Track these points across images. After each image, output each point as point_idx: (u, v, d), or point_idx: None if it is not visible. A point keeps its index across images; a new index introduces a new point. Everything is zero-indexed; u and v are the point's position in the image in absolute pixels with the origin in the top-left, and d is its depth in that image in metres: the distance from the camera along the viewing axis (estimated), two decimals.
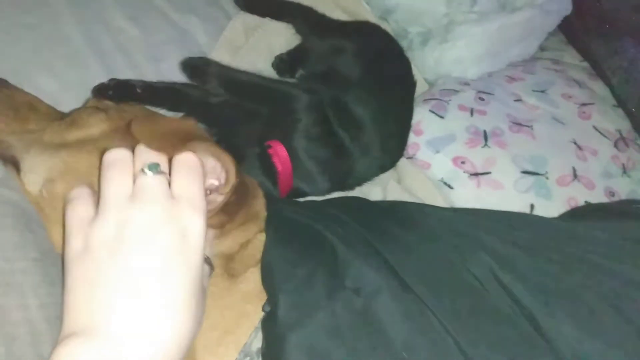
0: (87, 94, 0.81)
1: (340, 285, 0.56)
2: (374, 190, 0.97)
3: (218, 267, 0.54)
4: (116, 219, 0.43)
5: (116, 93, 0.79)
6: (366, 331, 0.52)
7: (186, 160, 0.47)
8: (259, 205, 0.65)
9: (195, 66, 0.87)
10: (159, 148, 0.47)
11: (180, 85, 0.85)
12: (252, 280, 0.57)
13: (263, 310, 0.55)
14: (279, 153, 0.82)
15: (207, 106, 0.85)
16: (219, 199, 0.49)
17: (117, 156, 0.47)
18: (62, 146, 0.56)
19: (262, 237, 0.61)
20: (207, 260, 0.51)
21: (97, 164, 0.53)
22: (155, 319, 0.42)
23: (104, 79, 0.83)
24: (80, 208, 0.46)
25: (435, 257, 0.62)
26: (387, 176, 0.99)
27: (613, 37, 1.29)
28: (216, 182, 0.50)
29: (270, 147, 0.82)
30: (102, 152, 0.53)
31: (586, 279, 0.61)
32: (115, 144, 0.55)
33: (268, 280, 0.56)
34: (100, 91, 0.78)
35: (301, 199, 0.84)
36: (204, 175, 0.48)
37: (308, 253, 0.59)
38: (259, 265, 0.58)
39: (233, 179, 0.48)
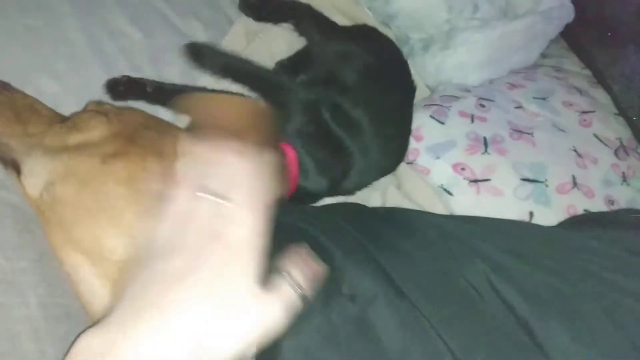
0: (88, 97, 0.81)
1: (337, 292, 0.56)
2: (374, 196, 0.97)
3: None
4: (174, 226, 0.44)
5: (127, 89, 0.81)
6: (361, 338, 0.53)
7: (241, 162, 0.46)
8: None
9: (196, 51, 0.89)
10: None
11: (190, 88, 0.87)
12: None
13: None
14: (289, 155, 0.83)
15: None
16: None
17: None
18: (63, 149, 0.56)
19: None
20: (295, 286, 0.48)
21: (98, 167, 0.53)
22: (181, 312, 0.41)
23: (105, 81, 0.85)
24: None
25: (431, 265, 0.63)
26: (387, 182, 0.99)
27: (615, 44, 1.29)
28: None
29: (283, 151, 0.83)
30: (103, 157, 0.54)
31: (582, 288, 0.61)
32: (116, 147, 0.56)
33: None
34: (112, 86, 0.81)
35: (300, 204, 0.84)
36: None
37: None
38: None
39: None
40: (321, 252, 0.61)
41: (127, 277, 0.43)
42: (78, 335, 0.40)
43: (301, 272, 0.47)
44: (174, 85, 0.86)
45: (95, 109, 0.62)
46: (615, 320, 0.58)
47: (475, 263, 0.62)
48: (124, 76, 0.83)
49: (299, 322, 0.52)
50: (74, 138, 0.58)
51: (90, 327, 0.41)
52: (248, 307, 0.43)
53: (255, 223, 0.44)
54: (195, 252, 0.42)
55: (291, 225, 0.65)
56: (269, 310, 0.44)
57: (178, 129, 0.64)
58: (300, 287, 0.46)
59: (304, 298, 0.46)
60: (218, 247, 0.43)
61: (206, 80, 0.92)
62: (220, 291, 0.42)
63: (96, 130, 0.58)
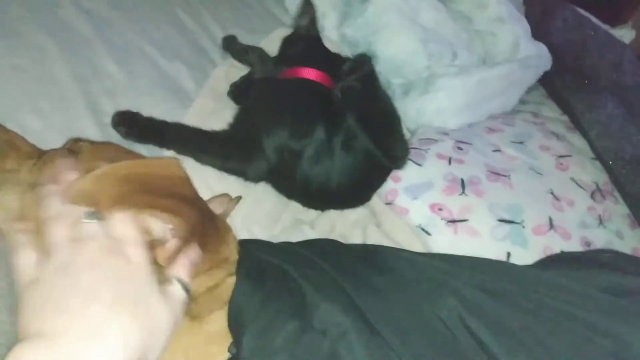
0: (71, 134, 0.83)
1: (308, 327, 0.56)
2: (355, 234, 0.98)
3: None
4: (65, 253, 0.47)
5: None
6: None
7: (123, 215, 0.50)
8: (229, 250, 0.65)
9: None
10: (113, 195, 0.49)
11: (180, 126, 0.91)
12: (217, 322, 0.57)
13: (229, 351, 0.55)
14: None
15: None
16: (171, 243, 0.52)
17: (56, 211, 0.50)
18: (31, 187, 0.57)
19: (231, 280, 0.61)
20: (184, 286, 0.52)
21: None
22: (102, 322, 0.43)
23: (89, 121, 0.86)
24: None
25: (405, 302, 0.63)
26: (367, 220, 1.00)
27: (592, 92, 1.33)
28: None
29: None
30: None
31: (553, 326, 0.61)
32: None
33: (234, 322, 0.57)
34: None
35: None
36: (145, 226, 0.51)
37: (276, 295, 0.60)
38: (226, 308, 0.58)
39: (181, 231, 0.51)
40: (293, 288, 0.61)
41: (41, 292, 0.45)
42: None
43: (186, 271, 0.52)
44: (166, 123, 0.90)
45: (69, 147, 0.63)
46: (585, 357, 0.59)
47: (447, 300, 0.62)
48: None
49: (268, 356, 0.52)
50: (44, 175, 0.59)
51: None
52: (159, 311, 0.47)
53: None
54: (101, 268, 0.46)
55: (266, 261, 0.66)
56: (173, 310, 0.49)
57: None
58: (187, 285, 0.52)
59: (188, 292, 0.52)
60: (120, 262, 0.47)
61: (189, 120, 0.94)
62: (133, 300, 0.45)
63: None
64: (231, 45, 1.11)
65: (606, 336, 0.60)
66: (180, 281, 0.52)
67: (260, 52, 1.09)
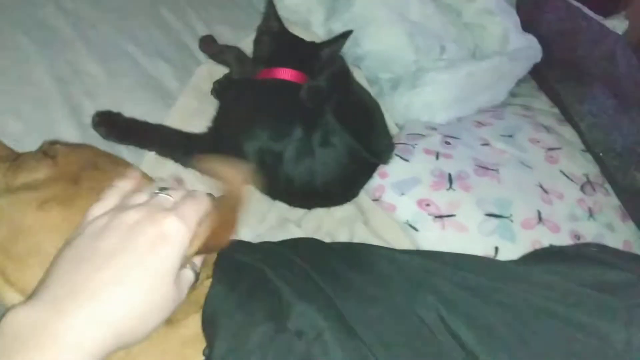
0: (51, 136, 0.82)
1: (282, 329, 0.55)
2: (342, 232, 0.97)
3: None
4: (111, 215, 0.48)
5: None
6: None
7: (199, 195, 0.53)
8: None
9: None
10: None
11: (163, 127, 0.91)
12: (193, 325, 0.57)
13: (203, 354, 0.55)
14: None
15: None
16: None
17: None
18: (5, 191, 0.57)
19: (208, 283, 0.61)
20: (194, 269, 0.53)
21: (33, 214, 0.54)
22: (109, 295, 0.43)
23: (69, 122, 0.86)
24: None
25: (384, 301, 0.62)
26: (354, 218, 0.99)
27: (583, 83, 1.32)
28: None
29: None
30: (41, 202, 0.54)
31: (535, 323, 0.61)
32: (56, 191, 0.57)
33: (208, 325, 0.56)
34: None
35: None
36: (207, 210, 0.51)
37: (251, 297, 0.59)
38: (201, 311, 0.58)
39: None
40: (269, 289, 0.60)
41: (57, 256, 0.46)
42: (7, 310, 0.41)
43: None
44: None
45: (45, 150, 0.62)
46: (567, 354, 0.58)
47: (427, 298, 0.62)
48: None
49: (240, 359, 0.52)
50: (19, 179, 0.58)
51: (19, 304, 0.42)
52: (163, 294, 0.46)
53: (185, 227, 0.48)
54: (126, 235, 0.46)
55: (242, 262, 0.65)
56: (175, 296, 0.48)
57: (129, 165, 0.65)
58: (197, 270, 0.53)
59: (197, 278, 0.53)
60: (148, 234, 0.46)
61: (171, 120, 0.93)
62: (142, 275, 0.45)
63: (40, 173, 0.58)
64: (208, 46, 1.09)
65: (590, 334, 0.60)
66: (194, 266, 0.53)
67: (237, 52, 1.07)
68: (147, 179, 0.65)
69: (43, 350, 0.40)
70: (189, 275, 0.52)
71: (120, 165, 0.67)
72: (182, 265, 0.49)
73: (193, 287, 0.53)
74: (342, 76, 1.02)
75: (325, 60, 1.02)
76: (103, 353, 0.42)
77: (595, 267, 0.70)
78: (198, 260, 0.54)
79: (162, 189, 0.52)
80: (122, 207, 0.50)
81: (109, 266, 0.44)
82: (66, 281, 0.43)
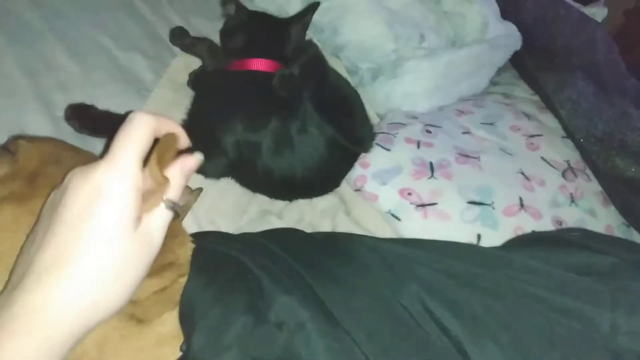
0: (22, 130, 0.80)
1: (263, 320, 0.54)
2: (324, 223, 0.96)
3: (123, 313, 0.52)
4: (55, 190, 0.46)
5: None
6: None
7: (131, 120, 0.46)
8: (177, 254, 0.63)
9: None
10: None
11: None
12: (169, 323, 0.55)
13: (181, 350, 0.53)
14: None
15: None
16: None
17: None
18: None
19: (182, 281, 0.59)
20: (173, 207, 0.48)
21: None
22: (68, 270, 0.41)
23: (41, 116, 0.84)
24: None
25: (366, 290, 0.61)
26: (336, 208, 0.98)
27: (563, 70, 1.31)
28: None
29: None
30: None
31: (518, 308, 0.60)
32: (12, 188, 0.55)
33: (186, 320, 0.55)
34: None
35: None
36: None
37: (230, 289, 0.58)
38: (177, 308, 0.56)
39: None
40: (249, 280, 0.59)
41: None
42: None
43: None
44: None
45: (7, 145, 0.60)
46: (552, 340, 0.58)
47: (409, 286, 0.61)
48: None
49: (216, 354, 0.50)
50: None
51: None
52: (126, 250, 0.43)
53: (121, 176, 0.43)
54: (64, 204, 0.42)
55: (221, 253, 0.64)
56: (145, 245, 0.45)
57: (95, 158, 0.63)
58: (170, 203, 0.47)
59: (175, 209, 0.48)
60: (82, 195, 0.42)
61: (148, 110, 0.91)
62: (92, 240, 0.42)
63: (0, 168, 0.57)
64: (179, 38, 1.06)
65: (574, 317, 0.59)
66: (166, 201, 0.47)
67: (209, 44, 1.05)
68: None
69: (27, 332, 0.39)
70: (160, 215, 0.46)
71: (86, 159, 0.65)
72: (145, 209, 0.45)
73: (178, 220, 0.50)
74: (317, 63, 1.00)
75: (295, 38, 1.01)
76: (86, 323, 0.41)
77: (579, 252, 0.70)
78: (176, 190, 0.48)
79: None
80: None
81: (55, 243, 0.41)
82: (29, 263, 0.42)
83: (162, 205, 0.46)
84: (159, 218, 0.46)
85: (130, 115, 0.46)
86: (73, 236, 0.41)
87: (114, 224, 0.42)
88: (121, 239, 0.42)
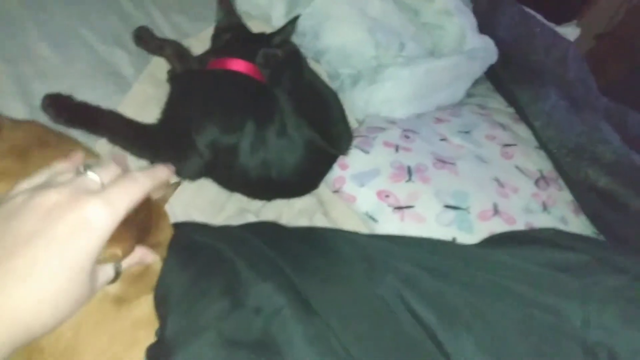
0: None
1: (239, 305, 0.54)
2: (301, 222, 0.97)
3: (102, 292, 0.51)
4: (30, 193, 0.43)
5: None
6: (264, 353, 0.51)
7: (135, 177, 0.47)
8: (163, 235, 0.63)
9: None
10: None
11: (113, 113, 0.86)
12: (145, 306, 0.55)
13: (156, 335, 0.53)
14: None
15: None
16: None
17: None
18: None
19: (160, 264, 0.59)
20: (116, 267, 0.49)
21: None
22: (18, 288, 0.39)
23: (20, 105, 0.82)
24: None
25: (344, 281, 0.62)
26: (314, 208, 0.98)
27: (537, 85, 1.35)
28: None
29: None
30: None
31: (493, 301, 0.61)
32: (6, 164, 0.54)
33: (161, 304, 0.54)
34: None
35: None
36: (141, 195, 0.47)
37: (206, 273, 0.58)
38: (154, 289, 0.56)
39: None
40: (225, 266, 0.59)
41: None
42: None
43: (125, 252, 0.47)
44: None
45: None
46: (525, 331, 0.59)
47: (386, 278, 0.62)
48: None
49: (191, 336, 0.50)
50: None
51: None
52: (77, 287, 0.42)
53: (112, 215, 0.43)
54: (43, 219, 0.41)
55: (197, 241, 0.64)
56: (87, 292, 0.44)
57: (78, 144, 0.63)
58: (119, 266, 0.48)
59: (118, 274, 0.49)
60: (68, 220, 0.41)
61: (126, 106, 0.90)
62: (57, 265, 0.40)
63: None
64: (144, 41, 1.02)
65: (546, 311, 0.61)
66: (116, 264, 0.48)
67: (176, 48, 1.01)
68: (94, 157, 0.63)
69: None
70: (107, 272, 0.48)
71: (69, 144, 0.64)
72: (103, 260, 0.45)
73: (111, 282, 0.50)
74: (294, 56, 1.01)
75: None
76: (11, 347, 0.39)
77: (552, 249, 0.71)
78: (128, 257, 0.49)
79: (88, 167, 0.46)
80: (44, 185, 0.45)
81: (19, 253, 0.39)
82: None
83: (112, 265, 0.48)
84: (106, 273, 0.47)
85: (144, 177, 0.48)
86: (48, 251, 0.40)
87: (85, 258, 0.42)
88: (83, 273, 0.42)
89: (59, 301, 0.41)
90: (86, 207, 0.42)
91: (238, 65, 0.95)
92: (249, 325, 0.52)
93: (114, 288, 0.52)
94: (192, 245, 0.62)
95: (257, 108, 0.91)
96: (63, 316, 0.42)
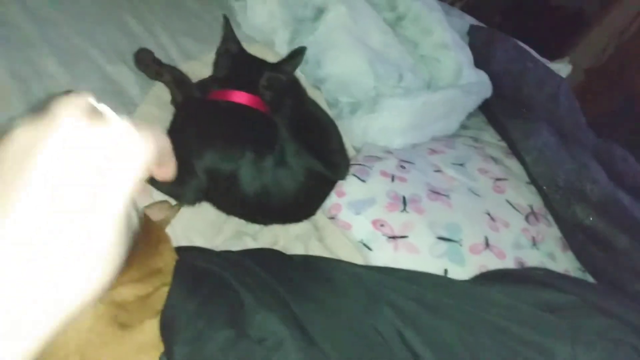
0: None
1: (242, 335, 0.56)
2: (297, 247, 0.98)
3: (108, 316, 0.52)
4: None
5: None
6: None
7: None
8: (164, 261, 0.64)
9: None
10: None
11: None
12: (149, 331, 0.56)
13: None
14: None
15: None
16: None
17: None
18: None
19: (165, 290, 0.60)
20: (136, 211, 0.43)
21: None
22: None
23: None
24: None
25: (342, 312, 0.64)
26: (310, 234, 1.00)
27: (529, 120, 1.38)
28: None
29: None
30: None
31: (485, 338, 0.63)
32: None
33: (167, 330, 0.56)
34: None
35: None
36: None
37: (211, 303, 0.59)
38: (159, 317, 0.57)
39: None
40: (230, 295, 0.61)
41: None
42: None
43: None
44: None
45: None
46: None
47: (384, 312, 0.63)
48: None
49: None
50: None
51: None
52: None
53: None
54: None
55: (203, 269, 0.65)
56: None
57: None
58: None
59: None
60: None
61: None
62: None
63: None
64: (145, 65, 1.02)
65: (535, 349, 0.63)
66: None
67: (175, 75, 1.02)
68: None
69: None
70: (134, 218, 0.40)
71: None
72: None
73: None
74: (295, 85, 1.03)
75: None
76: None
77: (542, 290, 0.74)
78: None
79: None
80: None
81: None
82: None
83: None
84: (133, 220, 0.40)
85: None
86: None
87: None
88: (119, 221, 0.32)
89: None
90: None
91: (240, 97, 0.97)
92: (252, 356, 0.54)
93: (121, 312, 0.54)
94: (197, 272, 0.64)
95: (257, 138, 0.93)
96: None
